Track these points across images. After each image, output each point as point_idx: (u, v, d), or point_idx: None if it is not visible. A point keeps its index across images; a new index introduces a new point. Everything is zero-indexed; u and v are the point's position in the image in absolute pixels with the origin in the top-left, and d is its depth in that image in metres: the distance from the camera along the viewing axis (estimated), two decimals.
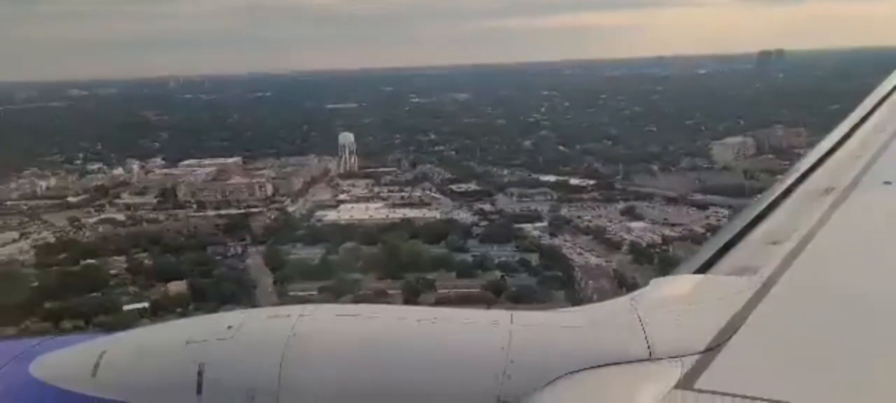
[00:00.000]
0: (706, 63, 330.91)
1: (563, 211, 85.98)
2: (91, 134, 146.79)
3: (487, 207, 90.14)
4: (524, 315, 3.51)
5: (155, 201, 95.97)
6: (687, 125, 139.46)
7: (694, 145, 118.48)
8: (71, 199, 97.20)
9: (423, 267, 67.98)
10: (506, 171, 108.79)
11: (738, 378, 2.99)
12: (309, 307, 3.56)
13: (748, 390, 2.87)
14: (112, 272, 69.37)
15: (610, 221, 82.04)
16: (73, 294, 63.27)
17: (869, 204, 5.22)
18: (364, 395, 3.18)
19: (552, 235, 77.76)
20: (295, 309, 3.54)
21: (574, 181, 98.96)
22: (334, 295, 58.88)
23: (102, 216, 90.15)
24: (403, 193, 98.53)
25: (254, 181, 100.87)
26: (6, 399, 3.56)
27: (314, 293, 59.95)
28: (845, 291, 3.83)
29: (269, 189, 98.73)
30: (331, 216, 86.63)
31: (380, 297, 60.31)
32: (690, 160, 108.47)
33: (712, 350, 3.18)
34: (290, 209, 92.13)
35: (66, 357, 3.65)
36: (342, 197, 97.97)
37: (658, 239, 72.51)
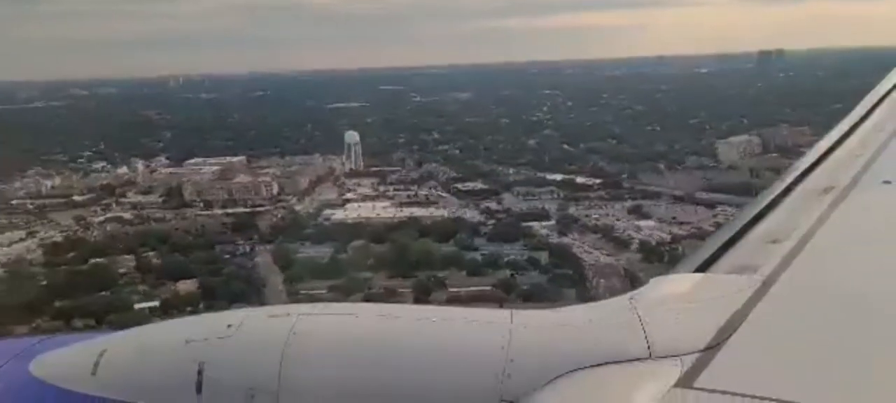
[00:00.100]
0: (706, 62, 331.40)
1: (571, 210, 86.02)
2: (93, 133, 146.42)
3: (494, 206, 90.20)
4: (524, 314, 3.53)
5: (161, 200, 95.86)
6: (690, 124, 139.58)
7: (699, 144, 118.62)
8: (76, 198, 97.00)
9: (433, 266, 68.04)
10: (511, 170, 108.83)
11: (737, 377, 3.00)
12: (309, 306, 3.58)
13: (748, 389, 2.88)
14: (121, 271, 69.21)
15: (618, 220, 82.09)
16: (82, 292, 63.18)
17: (868, 203, 5.25)
18: (364, 394, 3.20)
19: (561, 234, 77.77)
20: (295, 309, 3.56)
21: (580, 180, 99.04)
22: (345, 293, 58.98)
23: (109, 215, 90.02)
24: (410, 192, 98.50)
25: (260, 180, 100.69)
26: (6, 398, 3.56)
27: (324, 291, 59.95)
28: (845, 290, 3.85)
29: (275, 188, 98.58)
30: (338, 214, 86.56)
31: (391, 295, 60.37)
32: (696, 159, 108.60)
33: (712, 348, 3.19)
34: (297, 208, 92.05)
35: (65, 357, 3.65)
36: (349, 195, 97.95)
37: (667, 238, 72.52)
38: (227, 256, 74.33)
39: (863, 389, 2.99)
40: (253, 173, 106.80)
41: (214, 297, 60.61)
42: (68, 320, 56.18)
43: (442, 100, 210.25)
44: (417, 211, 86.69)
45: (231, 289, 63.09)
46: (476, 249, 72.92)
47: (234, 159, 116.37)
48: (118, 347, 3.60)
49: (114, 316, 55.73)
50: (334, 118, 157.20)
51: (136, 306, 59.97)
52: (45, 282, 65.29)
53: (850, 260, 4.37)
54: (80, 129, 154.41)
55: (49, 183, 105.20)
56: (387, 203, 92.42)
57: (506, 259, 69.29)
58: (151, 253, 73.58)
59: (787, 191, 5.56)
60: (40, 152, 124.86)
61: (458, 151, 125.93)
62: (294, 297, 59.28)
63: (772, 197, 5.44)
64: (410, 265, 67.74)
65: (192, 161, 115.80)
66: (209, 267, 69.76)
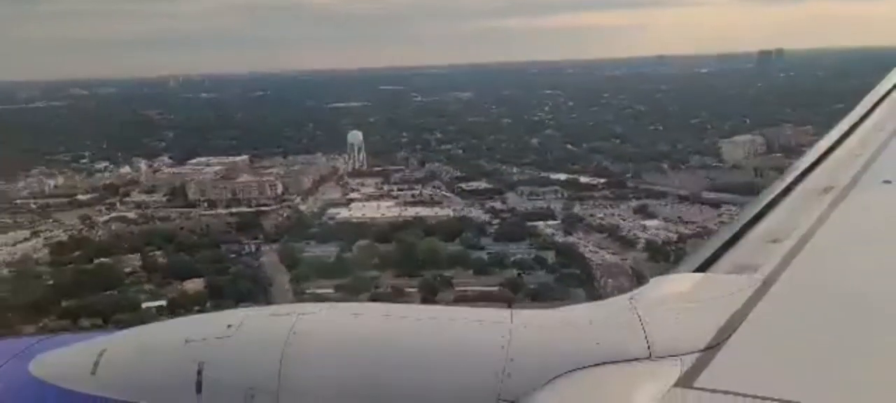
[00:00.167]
0: (707, 62, 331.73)
1: (576, 209, 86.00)
2: (95, 133, 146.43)
3: (499, 205, 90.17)
4: (524, 313, 3.54)
5: (165, 199, 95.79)
6: (692, 124, 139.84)
7: (702, 144, 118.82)
8: (80, 198, 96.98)
9: (439, 265, 67.96)
10: (515, 170, 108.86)
11: (737, 377, 3.00)
12: (309, 306, 3.58)
13: (748, 388, 2.88)
14: (127, 270, 69.15)
15: (623, 219, 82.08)
16: (88, 292, 63.16)
17: (868, 203, 5.27)
18: (364, 394, 3.19)
19: (566, 233, 77.73)
20: (295, 308, 3.57)
21: (584, 179, 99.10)
22: (352, 292, 59.00)
23: (113, 214, 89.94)
24: (414, 191, 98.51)
25: (264, 179, 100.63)
26: (6, 398, 3.56)
27: (332, 291, 60.00)
28: (845, 290, 3.86)
29: (279, 187, 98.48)
30: (343, 214, 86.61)
31: (398, 295, 60.41)
32: (699, 159, 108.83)
33: (712, 348, 3.19)
34: (302, 207, 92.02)
35: (65, 356, 3.66)
36: (353, 195, 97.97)
37: (674, 237, 72.49)
38: (234, 255, 74.28)
39: (863, 389, 2.99)
40: (256, 173, 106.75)
41: (222, 296, 60.50)
42: (75, 319, 56.13)
43: (443, 99, 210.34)
44: (422, 211, 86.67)
45: (238, 289, 63.04)
46: (482, 248, 72.87)
47: (237, 159, 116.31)
48: (118, 347, 3.61)
49: (121, 315, 55.75)
50: (336, 118, 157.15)
51: (144, 305, 59.84)
52: (51, 282, 65.22)
53: (850, 259, 4.39)
54: (81, 129, 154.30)
55: (52, 182, 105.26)
56: (391, 202, 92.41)
57: (512, 258, 69.21)
58: (157, 253, 73.50)
59: (787, 190, 5.58)
60: (43, 152, 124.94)
61: (460, 151, 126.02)
62: (301, 296, 59.25)
63: (772, 196, 5.46)
64: (417, 264, 67.65)
65: (195, 160, 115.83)
66: (215, 267, 69.64)
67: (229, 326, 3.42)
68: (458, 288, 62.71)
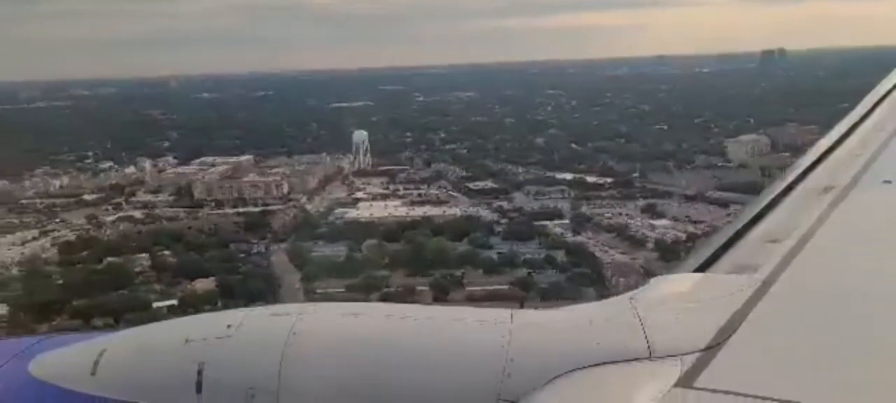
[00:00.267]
0: (707, 62, 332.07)
1: (583, 209, 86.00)
2: (98, 133, 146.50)
3: (506, 205, 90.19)
4: (524, 313, 3.58)
5: (171, 199, 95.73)
6: (696, 123, 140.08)
7: (707, 143, 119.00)
8: (86, 197, 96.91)
9: (449, 264, 67.95)
10: (520, 169, 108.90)
11: (737, 377, 3.00)
12: (309, 306, 3.60)
13: (748, 388, 2.88)
14: (136, 270, 69.06)
15: (631, 218, 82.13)
16: (98, 291, 63.04)
17: (868, 202, 5.30)
18: (364, 394, 3.20)
19: (575, 232, 77.71)
20: (295, 308, 3.58)
21: (590, 179, 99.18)
22: (362, 292, 59.02)
23: (120, 214, 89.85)
24: (420, 191, 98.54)
25: (270, 179, 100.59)
26: (6, 398, 3.56)
27: (342, 290, 60.02)
28: (845, 290, 3.88)
29: (285, 187, 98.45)
30: (350, 213, 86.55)
31: (409, 294, 60.38)
32: (705, 158, 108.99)
33: (712, 348, 3.20)
34: (309, 206, 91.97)
35: (65, 356, 3.66)
36: (359, 194, 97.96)
37: (683, 236, 72.47)
38: (243, 255, 74.18)
39: (863, 389, 2.99)
40: (261, 172, 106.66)
41: (233, 296, 60.45)
42: (87, 319, 56.07)
43: (445, 99, 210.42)
44: (429, 210, 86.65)
45: (248, 288, 63.00)
46: (491, 248, 72.84)
47: (241, 159, 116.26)
48: (118, 347, 3.61)
49: (132, 314, 55.71)
50: (338, 117, 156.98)
51: (155, 305, 59.76)
52: (61, 281, 65.10)
53: (850, 260, 4.42)
54: (83, 129, 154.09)
55: (57, 182, 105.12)
56: (398, 202, 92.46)
57: (522, 257, 69.19)
58: (166, 253, 73.36)
59: (787, 190, 5.60)
60: (47, 152, 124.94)
61: (465, 151, 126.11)
62: (311, 296, 59.19)
63: (772, 197, 5.48)
64: (426, 263, 67.64)
65: (199, 160, 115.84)
66: (225, 266, 69.58)
67: (229, 326, 3.42)
68: (468, 288, 62.75)
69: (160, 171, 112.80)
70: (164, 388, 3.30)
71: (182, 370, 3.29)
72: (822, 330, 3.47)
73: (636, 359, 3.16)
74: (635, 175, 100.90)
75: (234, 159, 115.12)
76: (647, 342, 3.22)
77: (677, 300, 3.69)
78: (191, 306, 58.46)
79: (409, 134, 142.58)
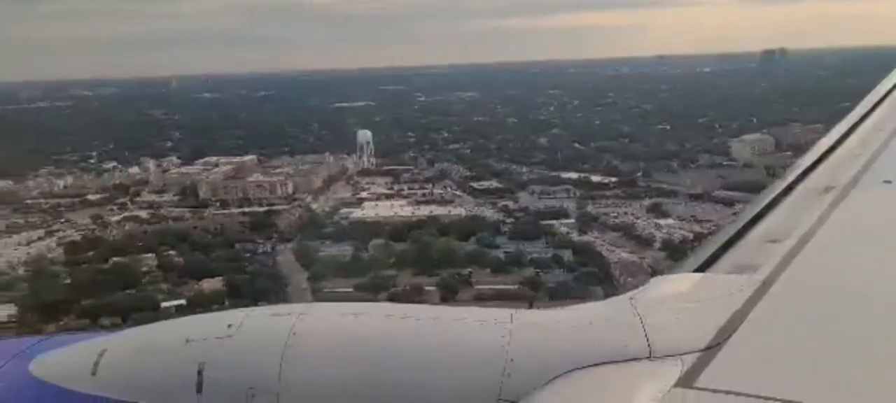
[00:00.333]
0: (707, 62, 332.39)
1: (589, 208, 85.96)
2: (101, 133, 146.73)
3: (511, 204, 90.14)
4: (524, 313, 3.58)
5: (176, 199, 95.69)
6: (700, 123, 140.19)
7: (711, 143, 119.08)
8: (91, 198, 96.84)
9: (456, 264, 67.79)
10: (524, 169, 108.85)
11: (737, 377, 3.00)
12: (309, 306, 3.61)
13: (748, 388, 2.88)
14: (143, 270, 68.94)
15: (637, 218, 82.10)
16: (105, 291, 62.96)
17: (868, 202, 5.31)
18: (364, 394, 3.20)
19: (581, 232, 77.69)
20: (295, 308, 3.58)
21: (595, 178, 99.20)
22: (370, 291, 58.95)
23: (125, 214, 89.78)
24: (425, 190, 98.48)
25: (274, 179, 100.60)
26: (6, 398, 3.56)
27: (350, 290, 59.98)
28: (845, 290, 3.88)
29: (290, 187, 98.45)
30: (356, 213, 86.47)
31: (417, 294, 60.36)
32: (709, 157, 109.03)
33: (712, 348, 3.20)
34: (314, 206, 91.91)
35: (65, 356, 3.67)
36: (364, 194, 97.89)
37: (689, 236, 72.42)
38: (249, 255, 74.09)
39: (863, 388, 2.98)
40: (266, 172, 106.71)
41: (240, 295, 60.38)
42: (95, 319, 56.00)
43: (446, 99, 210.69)
44: (435, 210, 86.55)
45: (255, 287, 62.90)
46: (497, 247, 72.78)
47: (245, 158, 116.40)
48: (118, 347, 3.61)
49: (140, 314, 55.64)
50: (341, 117, 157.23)
51: (163, 304, 59.68)
52: (68, 281, 65.01)
53: (850, 259, 4.43)
54: (86, 129, 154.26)
55: (61, 182, 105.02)
56: (403, 201, 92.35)
57: (529, 257, 69.13)
58: (172, 253, 73.28)
59: (788, 190, 5.60)
60: (50, 152, 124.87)
61: (468, 150, 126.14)
62: (318, 295, 59.23)
63: (772, 196, 5.48)
64: (433, 263, 67.56)
65: (203, 160, 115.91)
66: (231, 266, 69.54)
67: (230, 326, 3.42)
68: (476, 287, 62.68)
69: (164, 171, 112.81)
70: (165, 388, 3.31)
71: (182, 370, 3.29)
72: (823, 329, 3.47)
73: (636, 359, 3.16)
74: (640, 174, 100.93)
75: (237, 159, 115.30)
76: (647, 342, 3.22)
77: (677, 300, 3.69)
78: (199, 305, 58.34)
79: (411, 134, 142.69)
